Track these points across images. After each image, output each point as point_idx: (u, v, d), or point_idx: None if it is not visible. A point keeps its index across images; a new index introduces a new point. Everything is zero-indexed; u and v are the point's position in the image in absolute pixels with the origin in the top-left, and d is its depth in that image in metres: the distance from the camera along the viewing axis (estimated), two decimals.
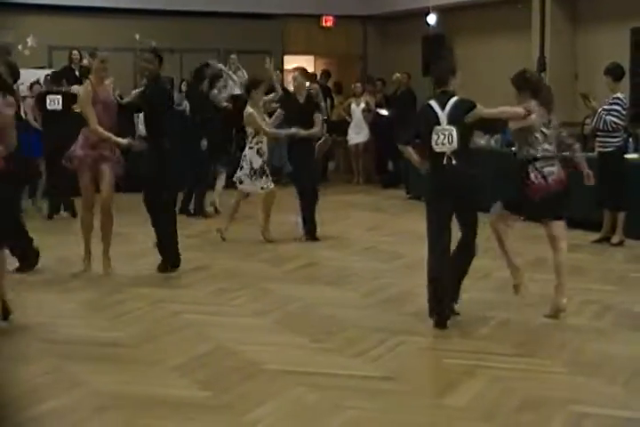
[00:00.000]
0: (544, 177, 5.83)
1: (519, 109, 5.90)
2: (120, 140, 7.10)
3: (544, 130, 5.96)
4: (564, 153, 6.19)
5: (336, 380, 4.68)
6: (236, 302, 6.37)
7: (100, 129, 7.02)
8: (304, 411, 4.26)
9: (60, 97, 10.46)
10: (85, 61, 12.15)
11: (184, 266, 7.38)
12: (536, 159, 5.88)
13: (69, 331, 5.63)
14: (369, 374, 4.77)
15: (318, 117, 8.93)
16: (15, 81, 7.19)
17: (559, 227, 5.99)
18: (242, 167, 8.58)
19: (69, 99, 10.08)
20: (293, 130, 8.75)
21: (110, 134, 7.07)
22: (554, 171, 5.87)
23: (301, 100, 9.00)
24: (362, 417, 4.17)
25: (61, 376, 4.70)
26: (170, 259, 7.31)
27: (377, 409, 4.27)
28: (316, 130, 8.90)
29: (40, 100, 10.60)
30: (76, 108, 9.49)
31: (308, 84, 10.21)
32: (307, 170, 8.81)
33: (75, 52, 13.07)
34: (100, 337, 5.49)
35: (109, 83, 7.59)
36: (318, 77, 15.23)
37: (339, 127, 14.39)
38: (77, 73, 12.64)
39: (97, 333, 5.59)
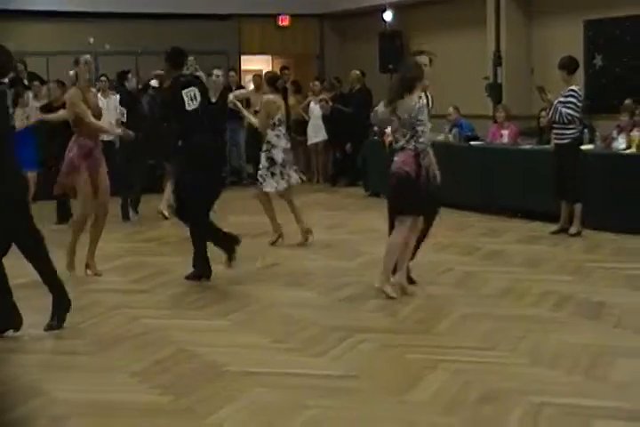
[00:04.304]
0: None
1: None
2: (115, 130, 7.71)
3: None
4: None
5: (297, 379, 4.66)
6: (195, 305, 6.32)
7: (95, 120, 7.10)
8: (266, 411, 4.24)
9: None
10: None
11: (142, 271, 7.31)
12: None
13: (26, 340, 5.54)
14: (331, 373, 4.76)
15: None
16: None
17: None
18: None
19: None
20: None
21: (103, 125, 7.35)
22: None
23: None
24: (324, 416, 4.16)
25: (19, 385, 4.63)
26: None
27: (339, 407, 4.26)
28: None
29: None
30: None
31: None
32: None
33: (19, 64, 12.85)
34: (58, 345, 5.41)
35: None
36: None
37: (298, 127, 14.38)
38: (26, 81, 12.50)
39: (55, 340, 5.51)
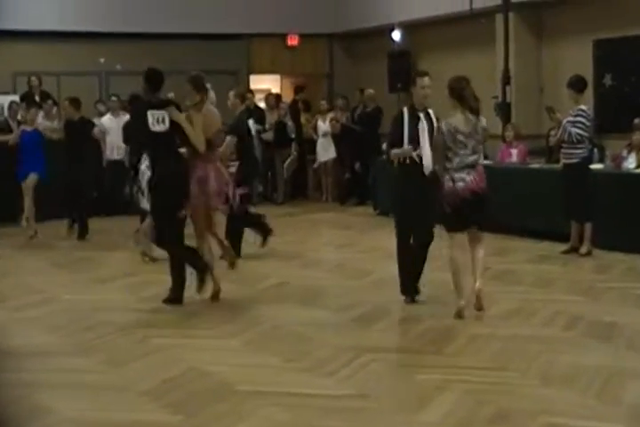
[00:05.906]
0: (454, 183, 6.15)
1: None
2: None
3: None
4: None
5: (308, 399, 4.64)
6: (206, 325, 6.32)
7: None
8: None
9: None
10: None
11: (152, 289, 7.30)
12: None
13: (36, 358, 5.54)
14: (341, 393, 4.74)
15: (229, 140, 8.26)
16: None
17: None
18: None
19: None
20: None
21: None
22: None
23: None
24: None
25: (29, 404, 4.62)
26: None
27: None
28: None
29: None
30: None
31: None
32: None
33: (33, 78, 13.00)
34: (68, 363, 5.41)
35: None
36: (293, 94, 15.33)
37: (308, 145, 14.42)
38: (37, 98, 12.62)
39: (65, 359, 5.51)
